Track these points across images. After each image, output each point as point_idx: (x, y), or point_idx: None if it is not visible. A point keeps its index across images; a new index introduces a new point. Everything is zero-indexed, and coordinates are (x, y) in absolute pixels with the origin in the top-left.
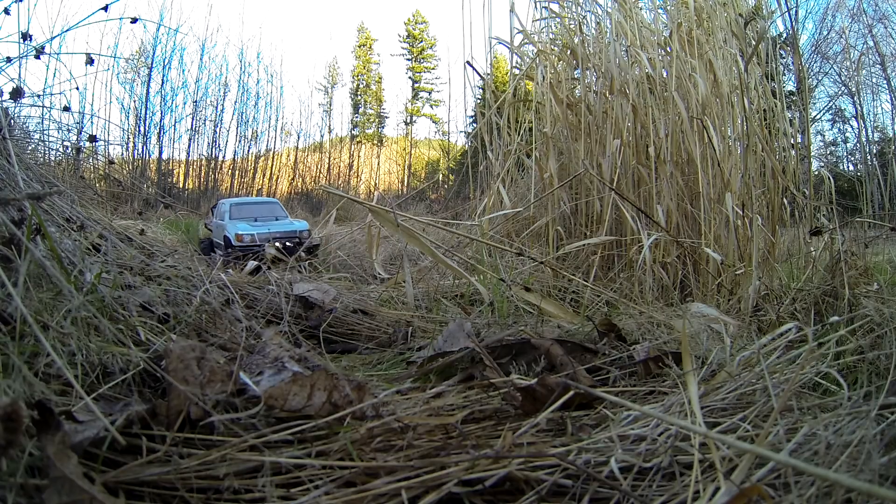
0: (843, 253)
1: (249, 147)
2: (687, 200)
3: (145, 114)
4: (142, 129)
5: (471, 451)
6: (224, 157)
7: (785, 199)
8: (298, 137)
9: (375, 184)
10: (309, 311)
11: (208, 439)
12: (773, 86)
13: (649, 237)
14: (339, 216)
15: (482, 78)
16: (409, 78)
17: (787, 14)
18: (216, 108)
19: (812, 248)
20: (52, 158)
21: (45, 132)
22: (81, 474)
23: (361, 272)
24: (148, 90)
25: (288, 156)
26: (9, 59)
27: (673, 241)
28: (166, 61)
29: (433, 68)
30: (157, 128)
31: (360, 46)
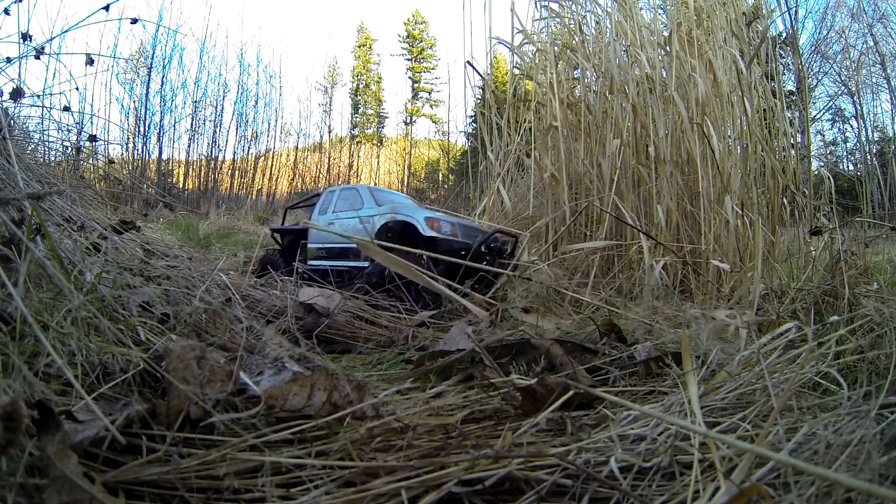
0: (842, 253)
1: (249, 147)
2: (687, 200)
3: (145, 114)
4: (141, 129)
5: (471, 451)
6: (224, 157)
7: (785, 199)
8: (298, 137)
9: (375, 183)
10: (308, 313)
11: (208, 439)
12: (773, 86)
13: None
14: None
15: (482, 78)
16: (409, 78)
17: (787, 14)
18: (216, 108)
19: (812, 248)
20: (52, 158)
21: (45, 132)
22: (81, 474)
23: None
24: (147, 90)
25: (288, 156)
26: (9, 60)
27: (672, 241)
28: (166, 61)
29: (433, 68)
30: (157, 128)
31: (359, 46)
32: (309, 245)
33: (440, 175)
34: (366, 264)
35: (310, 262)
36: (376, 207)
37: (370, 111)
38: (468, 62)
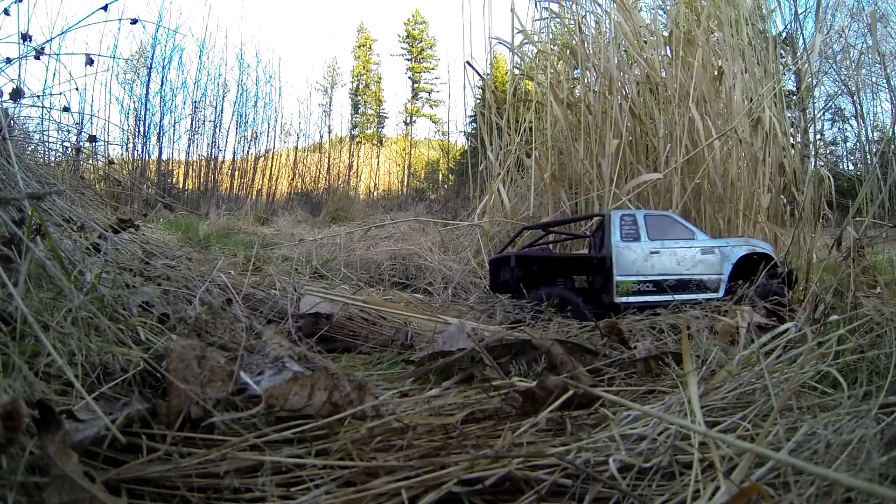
0: (853, 251)
1: (249, 147)
2: (689, 200)
3: (145, 114)
4: (141, 129)
5: (471, 451)
6: (224, 157)
7: (784, 199)
8: (298, 137)
9: (375, 184)
10: (302, 318)
11: (209, 438)
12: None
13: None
14: (338, 216)
15: (482, 78)
16: (409, 78)
17: (788, 13)
18: (215, 108)
19: (826, 253)
20: (52, 159)
21: (45, 132)
22: (82, 473)
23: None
24: (147, 91)
25: (287, 156)
26: (9, 60)
27: None
28: (165, 62)
29: (433, 68)
30: (157, 128)
31: (359, 47)
32: (618, 277)
33: (440, 175)
34: (715, 294)
35: (621, 300)
36: (710, 238)
37: (370, 111)
38: (467, 62)
